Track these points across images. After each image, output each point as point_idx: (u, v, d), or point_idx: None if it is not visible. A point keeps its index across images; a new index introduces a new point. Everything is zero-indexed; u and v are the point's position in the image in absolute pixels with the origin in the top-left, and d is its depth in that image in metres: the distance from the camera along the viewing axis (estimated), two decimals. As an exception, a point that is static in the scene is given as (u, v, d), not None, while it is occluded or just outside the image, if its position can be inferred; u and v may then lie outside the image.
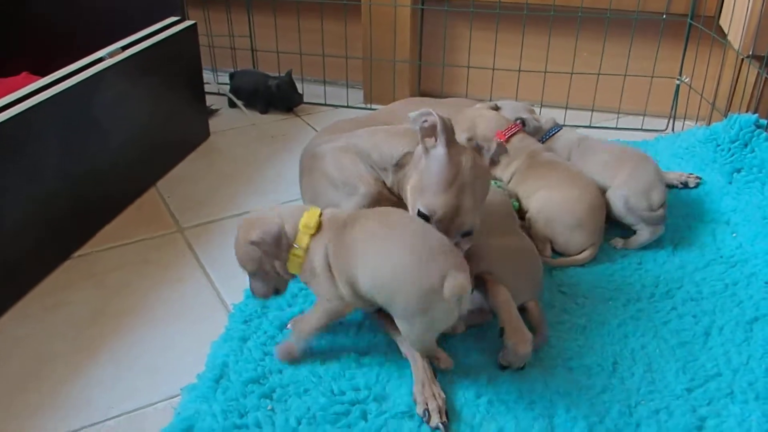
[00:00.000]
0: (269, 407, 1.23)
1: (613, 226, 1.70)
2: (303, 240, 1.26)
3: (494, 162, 1.32)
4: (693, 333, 1.41)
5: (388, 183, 1.42)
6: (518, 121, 1.78)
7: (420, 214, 1.24)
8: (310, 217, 1.27)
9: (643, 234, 1.67)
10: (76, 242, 1.72)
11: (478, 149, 1.32)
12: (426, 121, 1.26)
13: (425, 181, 1.25)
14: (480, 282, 1.34)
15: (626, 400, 1.25)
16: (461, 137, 1.73)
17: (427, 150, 1.27)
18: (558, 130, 1.85)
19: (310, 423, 1.20)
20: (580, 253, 1.62)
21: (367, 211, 1.30)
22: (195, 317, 1.50)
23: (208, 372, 1.31)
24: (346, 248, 1.22)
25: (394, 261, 1.16)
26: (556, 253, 1.65)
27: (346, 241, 1.23)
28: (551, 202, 1.64)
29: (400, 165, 1.37)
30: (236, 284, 1.55)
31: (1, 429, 1.22)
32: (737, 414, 1.23)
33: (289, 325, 1.39)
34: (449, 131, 1.25)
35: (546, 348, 1.37)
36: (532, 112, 1.87)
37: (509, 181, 1.73)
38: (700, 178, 1.88)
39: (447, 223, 1.23)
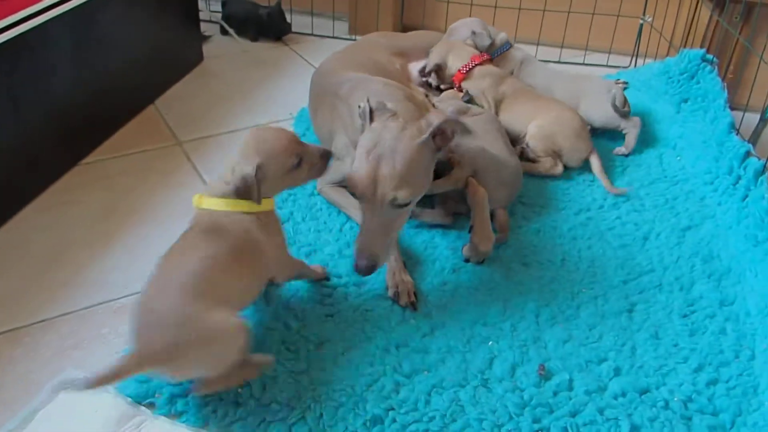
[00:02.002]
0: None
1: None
2: None
3: (444, 136, 1.33)
4: (633, 237, 1.62)
5: None
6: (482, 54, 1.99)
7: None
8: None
9: (631, 132, 1.93)
10: (84, 150, 1.88)
11: (424, 124, 1.33)
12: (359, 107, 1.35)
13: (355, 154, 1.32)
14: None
15: (570, 288, 1.46)
16: (431, 63, 1.95)
17: (362, 123, 1.35)
18: (508, 48, 2.07)
19: (299, 302, 1.40)
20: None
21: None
22: (195, 217, 1.67)
23: (210, 260, 1.49)
24: None
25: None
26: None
27: None
28: (550, 122, 1.83)
29: None
30: (232, 190, 1.73)
31: (35, 297, 1.41)
32: (663, 301, 1.44)
33: None
34: (376, 111, 1.32)
35: (504, 247, 1.57)
36: (485, 27, 2.07)
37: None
38: (627, 83, 2.11)
39: (368, 196, 1.28)
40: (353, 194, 1.32)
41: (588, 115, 1.93)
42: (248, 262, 1.20)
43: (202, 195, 1.25)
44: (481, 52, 1.99)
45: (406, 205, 1.30)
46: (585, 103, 1.94)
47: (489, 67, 1.94)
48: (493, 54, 2.03)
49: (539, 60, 2.18)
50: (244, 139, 1.24)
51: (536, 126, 1.84)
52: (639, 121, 1.93)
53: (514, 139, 1.86)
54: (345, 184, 1.63)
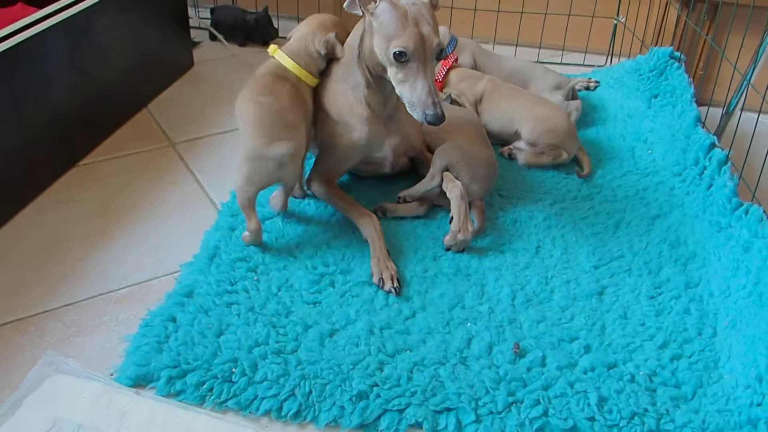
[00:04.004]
0: (255, 278, 1.51)
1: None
2: None
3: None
4: (605, 226, 1.71)
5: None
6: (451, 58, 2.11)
7: (396, 56, 1.45)
8: None
9: (573, 114, 2.07)
10: (80, 152, 1.96)
11: None
12: None
13: (386, 33, 1.47)
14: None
15: (544, 273, 1.55)
16: None
17: (372, 12, 1.49)
18: (455, 42, 2.19)
19: (288, 289, 1.48)
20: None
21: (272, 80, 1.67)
22: (189, 213, 1.76)
23: (203, 252, 1.58)
24: None
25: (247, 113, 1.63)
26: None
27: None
28: (544, 120, 1.93)
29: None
30: (223, 188, 1.82)
31: (38, 289, 1.49)
32: (632, 284, 1.53)
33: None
34: None
35: (482, 236, 1.66)
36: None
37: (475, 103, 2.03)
38: (599, 82, 2.24)
39: (421, 52, 1.45)
40: (402, 62, 1.46)
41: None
42: (302, 109, 1.62)
43: (278, 48, 1.68)
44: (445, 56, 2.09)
45: (441, 54, 1.54)
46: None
47: (463, 70, 2.04)
48: (447, 50, 2.13)
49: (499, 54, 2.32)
50: (307, 21, 1.72)
51: (530, 126, 1.93)
52: (580, 104, 2.10)
53: (500, 138, 1.96)
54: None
